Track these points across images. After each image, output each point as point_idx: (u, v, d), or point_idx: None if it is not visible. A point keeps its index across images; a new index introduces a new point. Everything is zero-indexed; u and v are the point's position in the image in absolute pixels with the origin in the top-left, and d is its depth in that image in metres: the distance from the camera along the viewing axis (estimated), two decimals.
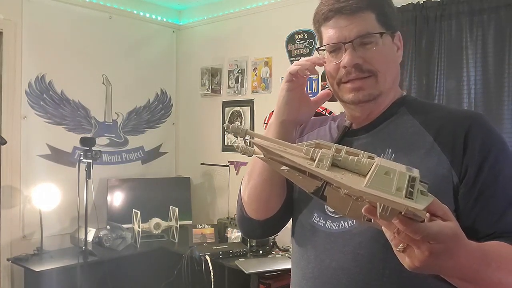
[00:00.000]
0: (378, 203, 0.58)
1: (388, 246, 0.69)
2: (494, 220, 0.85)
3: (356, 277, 0.90)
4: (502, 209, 0.85)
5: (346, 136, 1.00)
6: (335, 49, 0.93)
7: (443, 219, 0.66)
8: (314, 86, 3.12)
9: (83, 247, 2.73)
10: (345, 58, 0.91)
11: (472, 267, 0.71)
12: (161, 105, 4.09)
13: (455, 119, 0.91)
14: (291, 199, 1.06)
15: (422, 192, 0.61)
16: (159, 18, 4.03)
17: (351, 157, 0.65)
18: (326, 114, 3.08)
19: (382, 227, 0.66)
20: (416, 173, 0.60)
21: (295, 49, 3.30)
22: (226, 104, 3.78)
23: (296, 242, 1.05)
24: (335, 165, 0.64)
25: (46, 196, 3.14)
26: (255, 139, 0.72)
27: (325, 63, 0.97)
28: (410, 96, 1.03)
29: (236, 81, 3.69)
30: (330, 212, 0.97)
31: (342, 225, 0.94)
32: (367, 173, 0.61)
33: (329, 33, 0.93)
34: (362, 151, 0.67)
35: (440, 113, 0.95)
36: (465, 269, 0.70)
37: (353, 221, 0.92)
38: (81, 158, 2.72)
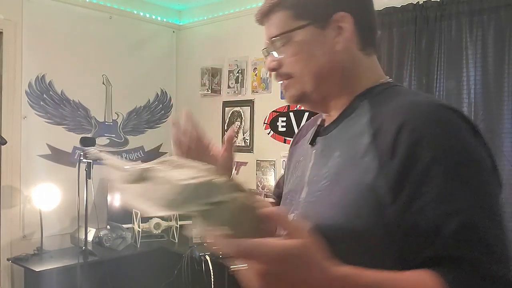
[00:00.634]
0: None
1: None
2: (424, 240, 0.66)
3: None
4: (435, 226, 0.66)
5: (319, 135, 0.90)
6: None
7: (291, 237, 0.57)
8: None
9: (83, 247, 2.72)
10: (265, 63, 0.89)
11: None
12: (161, 105, 4.09)
13: (395, 112, 0.74)
14: None
15: (221, 203, 0.56)
16: (159, 18, 4.03)
17: (151, 172, 0.64)
18: None
19: None
20: (190, 182, 0.57)
21: None
22: (226, 104, 3.78)
23: None
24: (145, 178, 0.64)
25: (46, 196, 3.14)
26: (107, 161, 0.74)
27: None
28: (381, 86, 0.84)
29: (236, 81, 3.69)
30: None
31: None
32: None
33: None
34: (194, 163, 0.64)
35: (392, 105, 0.76)
36: None
37: None
38: (81, 158, 2.72)
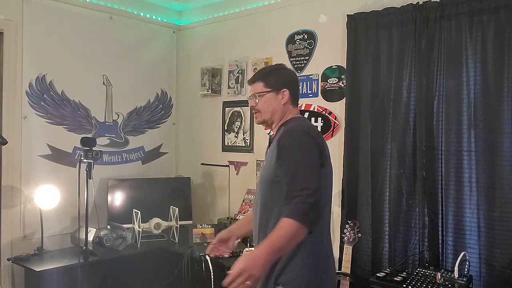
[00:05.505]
0: None
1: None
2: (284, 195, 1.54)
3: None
4: (285, 186, 1.56)
5: (269, 144, 1.84)
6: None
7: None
8: (314, 86, 3.13)
9: (84, 247, 2.73)
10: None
11: (270, 255, 1.45)
12: (161, 105, 4.10)
13: (283, 131, 1.67)
14: None
15: None
16: (159, 18, 4.04)
17: None
18: (326, 114, 3.08)
19: None
20: None
21: (295, 50, 3.30)
22: (226, 104, 3.79)
23: None
24: None
25: (47, 196, 3.14)
26: None
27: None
28: (290, 120, 1.74)
29: (236, 81, 3.70)
30: None
31: None
32: None
33: None
34: None
35: (286, 128, 1.69)
36: (270, 259, 1.46)
37: None
38: (82, 158, 2.73)
